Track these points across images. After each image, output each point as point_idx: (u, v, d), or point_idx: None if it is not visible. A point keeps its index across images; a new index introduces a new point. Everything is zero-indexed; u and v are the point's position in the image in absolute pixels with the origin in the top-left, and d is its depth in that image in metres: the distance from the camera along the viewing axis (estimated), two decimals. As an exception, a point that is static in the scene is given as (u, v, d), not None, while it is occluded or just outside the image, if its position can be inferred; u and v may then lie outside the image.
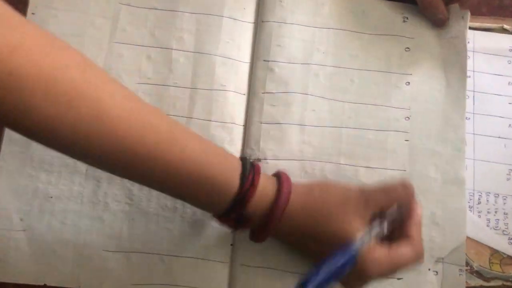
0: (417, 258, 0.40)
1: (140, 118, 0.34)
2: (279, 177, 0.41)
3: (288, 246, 0.45)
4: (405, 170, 0.48)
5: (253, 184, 0.38)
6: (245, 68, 0.49)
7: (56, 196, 0.45)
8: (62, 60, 0.32)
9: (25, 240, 0.44)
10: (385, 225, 0.40)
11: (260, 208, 0.39)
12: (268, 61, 0.49)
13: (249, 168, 0.39)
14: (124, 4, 0.49)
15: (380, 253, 0.38)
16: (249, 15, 0.50)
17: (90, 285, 0.44)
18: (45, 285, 0.43)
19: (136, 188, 0.46)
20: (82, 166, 0.46)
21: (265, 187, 0.39)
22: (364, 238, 0.39)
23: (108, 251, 0.44)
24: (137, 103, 0.35)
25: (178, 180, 0.36)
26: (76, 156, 0.35)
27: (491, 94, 0.52)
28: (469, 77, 0.51)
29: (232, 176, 0.38)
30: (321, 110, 0.48)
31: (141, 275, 0.44)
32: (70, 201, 0.45)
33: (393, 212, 0.41)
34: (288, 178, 0.41)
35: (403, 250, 0.39)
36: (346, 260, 0.37)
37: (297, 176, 0.46)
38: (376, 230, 0.40)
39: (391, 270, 0.39)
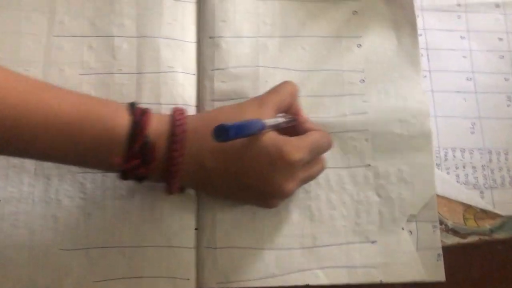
0: (327, 138, 0.43)
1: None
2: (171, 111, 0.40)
3: (213, 194, 0.43)
4: (367, 130, 0.46)
5: (146, 112, 0.38)
6: (191, 48, 0.48)
7: (5, 199, 0.42)
8: None
9: (-26, 248, 0.41)
10: (283, 120, 0.41)
11: (160, 132, 0.37)
12: (214, 37, 0.47)
13: (136, 105, 0.38)
14: (60, -3, 0.48)
15: (292, 138, 0.39)
16: (190, -7, 0.49)
17: (49, 286, 0.41)
18: (0, 292, 0.41)
19: (88, 182, 0.43)
20: (30, 166, 0.43)
21: (159, 116, 0.39)
22: (274, 121, 0.39)
23: (65, 249, 0.42)
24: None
25: (62, 137, 0.35)
26: None
27: (445, 49, 0.51)
28: (421, 35, 0.51)
29: (120, 111, 0.37)
30: (275, 81, 0.46)
31: (102, 271, 0.42)
32: (20, 202, 0.43)
33: (287, 116, 0.42)
34: (180, 108, 0.40)
35: (311, 134, 0.41)
36: (257, 122, 0.36)
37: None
38: (278, 121, 0.40)
39: (310, 151, 0.39)
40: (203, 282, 0.42)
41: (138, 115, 0.37)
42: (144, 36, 0.47)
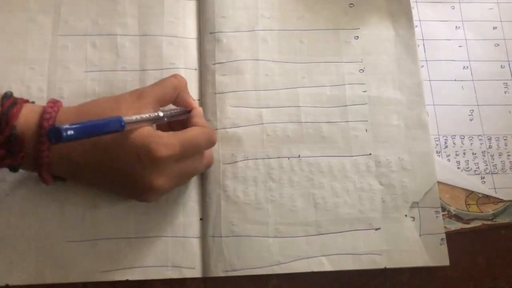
0: (208, 135, 0.41)
1: None
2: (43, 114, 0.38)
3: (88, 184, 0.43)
4: (367, 121, 0.47)
5: (17, 103, 0.37)
6: (193, 44, 0.49)
7: (13, 193, 0.43)
8: None
9: (-17, 242, 0.42)
10: (164, 114, 0.40)
11: (29, 124, 0.37)
12: (215, 33, 0.49)
13: (10, 95, 0.38)
14: (64, -1, 0.49)
15: (164, 134, 0.38)
16: (190, -8, 0.50)
17: (56, 278, 0.41)
18: (7, 285, 0.41)
19: (95, 175, 0.44)
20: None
21: (32, 108, 0.38)
22: (139, 116, 0.37)
23: (72, 241, 0.42)
24: None
25: None
26: None
27: (441, 40, 0.52)
28: (416, 26, 0.52)
29: None
30: (274, 74, 0.48)
31: (109, 261, 0.42)
32: (27, 195, 0.43)
33: (175, 109, 0.42)
34: (54, 100, 0.40)
35: (190, 130, 0.40)
36: (111, 121, 0.34)
37: (259, 139, 0.46)
38: (157, 114, 0.39)
39: (182, 147, 0.38)
40: (209, 271, 0.43)
41: (7, 106, 0.37)
42: (146, 35, 0.48)
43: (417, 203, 0.46)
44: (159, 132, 0.38)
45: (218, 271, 0.43)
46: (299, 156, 0.46)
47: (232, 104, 0.46)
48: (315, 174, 0.46)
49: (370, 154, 0.47)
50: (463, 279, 0.46)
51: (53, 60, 0.47)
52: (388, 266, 0.44)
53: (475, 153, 0.49)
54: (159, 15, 0.49)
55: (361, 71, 0.49)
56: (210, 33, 0.49)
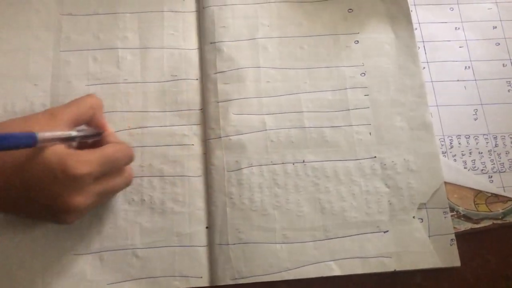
0: (125, 150, 0.40)
1: None
2: None
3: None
4: (370, 124, 0.47)
5: None
6: (193, 55, 0.49)
7: (18, 208, 0.43)
8: None
9: (-10, 258, 0.42)
10: (77, 133, 0.39)
11: None
12: (215, 42, 0.49)
13: None
14: (65, 15, 0.50)
15: (80, 151, 0.37)
16: (190, 4, 0.51)
17: (63, 291, 0.41)
18: (15, 299, 0.41)
19: (100, 187, 0.44)
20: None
21: None
22: (53, 133, 0.36)
23: (79, 254, 0.42)
24: None
25: None
26: None
27: (441, 41, 0.52)
28: (416, 29, 0.52)
29: None
30: (276, 80, 0.48)
31: (116, 273, 0.42)
32: (33, 211, 0.43)
33: (88, 130, 0.41)
34: None
35: (107, 147, 0.39)
36: (22, 135, 0.33)
37: (263, 145, 0.46)
38: (66, 135, 0.38)
39: (100, 164, 0.37)
40: (217, 279, 0.42)
41: None
42: (147, 47, 0.49)
43: (425, 204, 0.45)
44: (74, 150, 0.37)
45: (226, 279, 0.42)
46: (303, 161, 0.46)
47: (235, 111, 0.46)
48: (320, 178, 0.46)
49: (375, 157, 0.47)
50: (475, 280, 0.45)
51: (56, 76, 0.47)
52: (398, 269, 0.43)
53: (481, 152, 0.48)
54: (159, 28, 0.50)
55: (363, 74, 0.49)
56: (211, 43, 0.49)
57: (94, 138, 0.41)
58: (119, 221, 0.43)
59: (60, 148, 0.36)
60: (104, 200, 0.42)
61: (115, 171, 0.40)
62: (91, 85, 0.47)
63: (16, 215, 0.42)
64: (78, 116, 0.40)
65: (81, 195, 0.36)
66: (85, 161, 0.36)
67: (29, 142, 0.33)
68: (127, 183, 0.42)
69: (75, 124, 0.39)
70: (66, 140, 0.38)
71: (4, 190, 0.37)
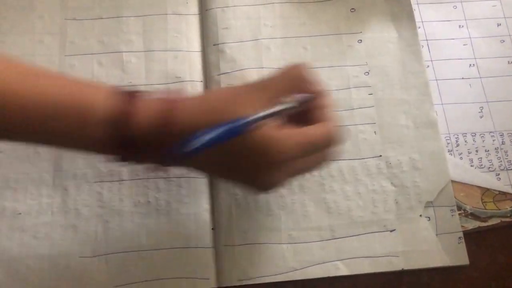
0: (329, 135, 0.37)
1: None
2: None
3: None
4: (375, 123, 0.47)
5: (135, 94, 0.35)
6: (197, 56, 0.49)
7: (25, 211, 0.43)
8: None
9: (-3, 262, 0.42)
10: (289, 105, 0.36)
11: (149, 118, 0.34)
12: (218, 44, 0.49)
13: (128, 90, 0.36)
14: (70, 19, 0.50)
15: (285, 131, 0.35)
16: (193, 7, 0.51)
17: (70, 294, 0.41)
18: (22, 303, 0.41)
19: (105, 190, 0.44)
20: (48, 178, 0.44)
21: (149, 102, 0.35)
22: (259, 114, 0.34)
23: (85, 257, 0.42)
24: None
25: (52, 121, 0.33)
26: None
27: (445, 39, 0.52)
28: (419, 28, 0.52)
29: (108, 96, 0.34)
30: (279, 81, 0.48)
31: (122, 275, 0.42)
32: (40, 214, 0.43)
33: (300, 97, 0.37)
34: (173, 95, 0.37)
35: (310, 130, 0.36)
36: (232, 127, 0.33)
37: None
38: (277, 108, 0.35)
39: (303, 150, 0.35)
40: (223, 281, 0.42)
41: (126, 101, 0.34)
42: (151, 50, 0.49)
43: (432, 202, 0.45)
44: (278, 133, 0.35)
45: (232, 280, 0.42)
46: (308, 161, 0.46)
47: (239, 112, 0.47)
48: (325, 178, 0.45)
49: (380, 155, 0.46)
50: (484, 279, 0.44)
51: (61, 80, 0.48)
52: (405, 268, 0.43)
53: (488, 150, 0.48)
54: (163, 30, 0.50)
55: (366, 73, 0.49)
56: (214, 45, 0.49)
57: (303, 106, 0.37)
58: (125, 223, 0.43)
59: (263, 133, 0.34)
60: (300, 176, 0.40)
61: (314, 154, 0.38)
62: (95, 88, 0.47)
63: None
64: (288, 86, 0.37)
65: (278, 176, 0.36)
66: (288, 147, 0.35)
67: (241, 131, 0.33)
68: (322, 165, 0.40)
69: (286, 92, 0.37)
70: (272, 115, 0.35)
71: (215, 165, 0.37)
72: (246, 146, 0.34)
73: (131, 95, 0.35)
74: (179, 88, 0.39)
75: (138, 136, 0.34)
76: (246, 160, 0.35)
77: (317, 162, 0.39)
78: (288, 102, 0.36)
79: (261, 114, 0.34)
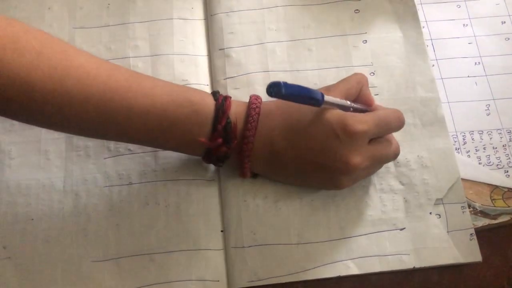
0: (398, 113, 0.43)
1: (104, 67, 0.37)
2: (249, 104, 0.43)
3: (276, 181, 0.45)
4: (382, 122, 0.47)
5: (227, 97, 0.41)
6: (203, 61, 0.50)
7: (37, 217, 0.44)
8: (22, 27, 0.35)
9: (11, 267, 0.42)
10: (350, 104, 0.42)
11: (238, 114, 0.41)
12: (224, 49, 0.50)
13: (219, 93, 0.42)
14: (78, 28, 0.51)
15: (358, 114, 0.40)
16: (198, 13, 0.52)
17: (82, 298, 0.42)
18: (36, 307, 0.41)
19: (115, 194, 0.45)
20: (59, 184, 0.45)
21: (238, 102, 0.42)
22: (335, 99, 0.40)
23: (96, 261, 0.43)
24: (98, 58, 0.38)
25: (158, 121, 0.38)
26: (50, 114, 0.36)
27: (449, 38, 0.52)
28: (423, 27, 0.52)
29: (206, 96, 0.41)
30: (285, 82, 0.48)
31: (133, 278, 0.42)
32: (51, 219, 0.44)
33: (360, 105, 0.43)
34: (256, 95, 0.43)
35: (381, 109, 0.43)
36: (315, 91, 0.38)
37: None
38: (341, 101, 0.41)
39: (376, 125, 0.40)
40: (234, 283, 0.42)
41: (221, 100, 0.41)
42: (158, 55, 0.50)
43: (442, 199, 0.45)
44: (352, 113, 0.40)
45: (242, 282, 0.42)
46: (316, 162, 0.46)
47: (246, 115, 0.47)
48: (334, 178, 0.45)
49: (388, 155, 0.46)
50: (496, 276, 0.44)
51: (70, 87, 0.48)
52: (417, 266, 0.43)
53: (496, 147, 0.48)
54: (169, 35, 0.51)
55: (372, 74, 0.49)
56: (219, 49, 0.50)
57: (363, 112, 0.43)
58: (135, 226, 0.44)
59: (339, 111, 0.40)
60: (375, 168, 0.44)
61: (386, 138, 0.43)
62: (104, 94, 0.48)
63: (293, 183, 0.45)
64: (348, 91, 0.42)
65: (359, 154, 0.39)
66: (362, 121, 0.39)
67: (318, 98, 0.37)
68: (396, 153, 0.44)
69: (346, 98, 0.42)
70: (342, 107, 0.41)
71: (290, 156, 0.41)
72: (323, 120, 0.39)
73: (225, 96, 0.42)
74: (258, 95, 0.43)
75: (233, 121, 0.40)
76: (326, 134, 0.39)
77: (391, 147, 0.43)
78: (352, 103, 0.42)
79: (336, 100, 0.40)
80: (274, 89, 0.35)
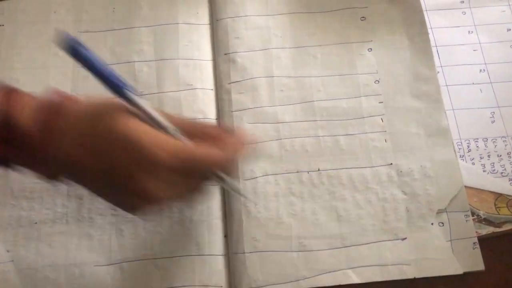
0: (214, 155, 0.35)
1: None
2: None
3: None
4: (385, 131, 0.47)
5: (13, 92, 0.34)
6: (208, 65, 0.50)
7: (41, 221, 0.44)
8: None
9: (14, 270, 0.43)
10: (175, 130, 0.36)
11: (29, 109, 0.34)
12: (229, 53, 0.50)
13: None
14: (83, 32, 0.51)
15: (167, 137, 0.34)
16: (203, 17, 0.52)
17: (85, 302, 0.42)
18: (40, 311, 0.42)
19: (119, 199, 0.45)
20: (63, 188, 0.45)
21: (30, 100, 0.35)
22: (145, 103, 0.35)
23: (100, 265, 0.43)
24: None
25: None
26: None
27: (454, 45, 0.52)
28: (428, 34, 0.52)
29: None
30: (289, 89, 0.49)
31: (137, 283, 0.43)
32: (55, 223, 0.44)
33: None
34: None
35: (196, 145, 0.35)
36: (121, 81, 0.34)
37: (277, 154, 0.46)
38: (162, 120, 0.35)
39: (181, 160, 0.33)
40: (235, 288, 0.43)
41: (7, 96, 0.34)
42: (163, 59, 0.50)
43: (445, 208, 0.45)
44: (161, 132, 0.35)
45: (243, 288, 0.42)
46: (318, 170, 0.46)
47: (249, 121, 0.47)
48: (336, 186, 0.46)
49: (391, 164, 0.46)
50: (500, 285, 0.44)
51: (75, 91, 0.49)
52: (417, 276, 0.43)
53: (500, 155, 0.48)
54: (174, 40, 0.51)
55: (377, 82, 0.49)
56: (225, 54, 0.50)
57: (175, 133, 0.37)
58: (139, 231, 0.44)
59: (144, 127, 0.34)
60: (185, 198, 0.38)
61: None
62: (109, 99, 0.48)
63: (95, 194, 0.37)
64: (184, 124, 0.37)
65: (158, 182, 0.33)
66: (162, 147, 0.33)
67: (122, 84, 0.34)
68: (200, 194, 0.38)
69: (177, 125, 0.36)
70: (159, 126, 0.35)
71: (87, 162, 0.34)
72: (121, 135, 0.33)
73: (12, 91, 0.35)
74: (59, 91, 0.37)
75: (21, 127, 0.33)
76: (120, 152, 0.33)
77: (197, 183, 0.37)
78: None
79: (148, 107, 0.35)
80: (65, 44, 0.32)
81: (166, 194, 0.34)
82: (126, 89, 0.34)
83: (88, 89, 0.48)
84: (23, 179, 0.45)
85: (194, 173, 0.36)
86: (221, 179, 0.38)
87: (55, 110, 0.34)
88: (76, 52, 0.33)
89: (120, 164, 0.33)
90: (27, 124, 0.33)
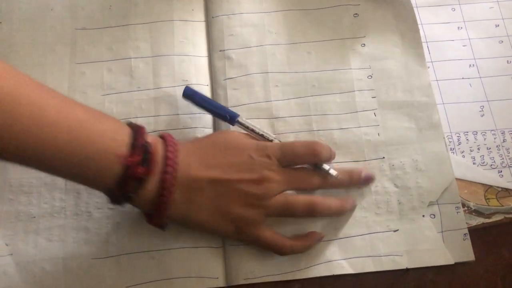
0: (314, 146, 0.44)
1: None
2: (164, 138, 0.41)
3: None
4: (378, 125, 0.48)
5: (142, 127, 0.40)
6: (203, 62, 0.51)
7: (39, 215, 0.45)
8: None
9: (12, 264, 0.43)
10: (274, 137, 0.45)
11: (156, 144, 0.40)
12: (224, 50, 0.51)
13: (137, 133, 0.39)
14: (80, 29, 0.52)
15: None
16: (199, 14, 0.53)
17: (84, 295, 0.42)
18: (38, 304, 0.42)
19: (116, 193, 0.46)
20: (61, 182, 0.46)
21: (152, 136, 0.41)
22: (250, 122, 0.45)
23: (97, 258, 0.44)
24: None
25: (65, 148, 0.35)
26: None
27: (444, 41, 0.53)
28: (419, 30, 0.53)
29: (120, 126, 0.39)
30: (284, 84, 0.49)
31: (134, 275, 0.43)
32: (53, 217, 0.45)
33: None
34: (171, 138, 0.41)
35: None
36: (227, 111, 0.45)
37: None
38: (264, 131, 0.45)
39: (289, 183, 0.44)
40: (230, 280, 0.43)
41: (136, 127, 0.39)
42: (158, 55, 0.50)
43: (436, 200, 0.46)
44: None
45: (239, 279, 0.43)
46: (313, 163, 0.47)
47: (245, 116, 0.47)
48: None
49: (384, 157, 0.47)
50: (490, 275, 0.45)
51: (72, 87, 0.49)
52: (409, 267, 0.44)
53: (490, 148, 0.49)
54: (170, 36, 0.51)
55: (369, 77, 0.50)
56: (220, 50, 0.51)
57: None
58: (135, 224, 0.45)
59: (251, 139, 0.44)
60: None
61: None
62: (106, 94, 0.49)
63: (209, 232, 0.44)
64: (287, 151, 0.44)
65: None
66: (276, 174, 0.43)
67: (229, 114, 0.46)
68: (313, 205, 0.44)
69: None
70: (261, 136, 0.45)
71: (205, 191, 0.41)
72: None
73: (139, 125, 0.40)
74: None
75: (151, 146, 0.39)
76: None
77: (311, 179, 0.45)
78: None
79: (252, 124, 0.45)
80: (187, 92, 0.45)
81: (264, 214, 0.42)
82: (237, 117, 0.45)
83: (85, 84, 0.49)
84: (21, 174, 0.46)
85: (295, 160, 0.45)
86: None
87: (176, 148, 0.41)
88: (193, 98, 0.46)
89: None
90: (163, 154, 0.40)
